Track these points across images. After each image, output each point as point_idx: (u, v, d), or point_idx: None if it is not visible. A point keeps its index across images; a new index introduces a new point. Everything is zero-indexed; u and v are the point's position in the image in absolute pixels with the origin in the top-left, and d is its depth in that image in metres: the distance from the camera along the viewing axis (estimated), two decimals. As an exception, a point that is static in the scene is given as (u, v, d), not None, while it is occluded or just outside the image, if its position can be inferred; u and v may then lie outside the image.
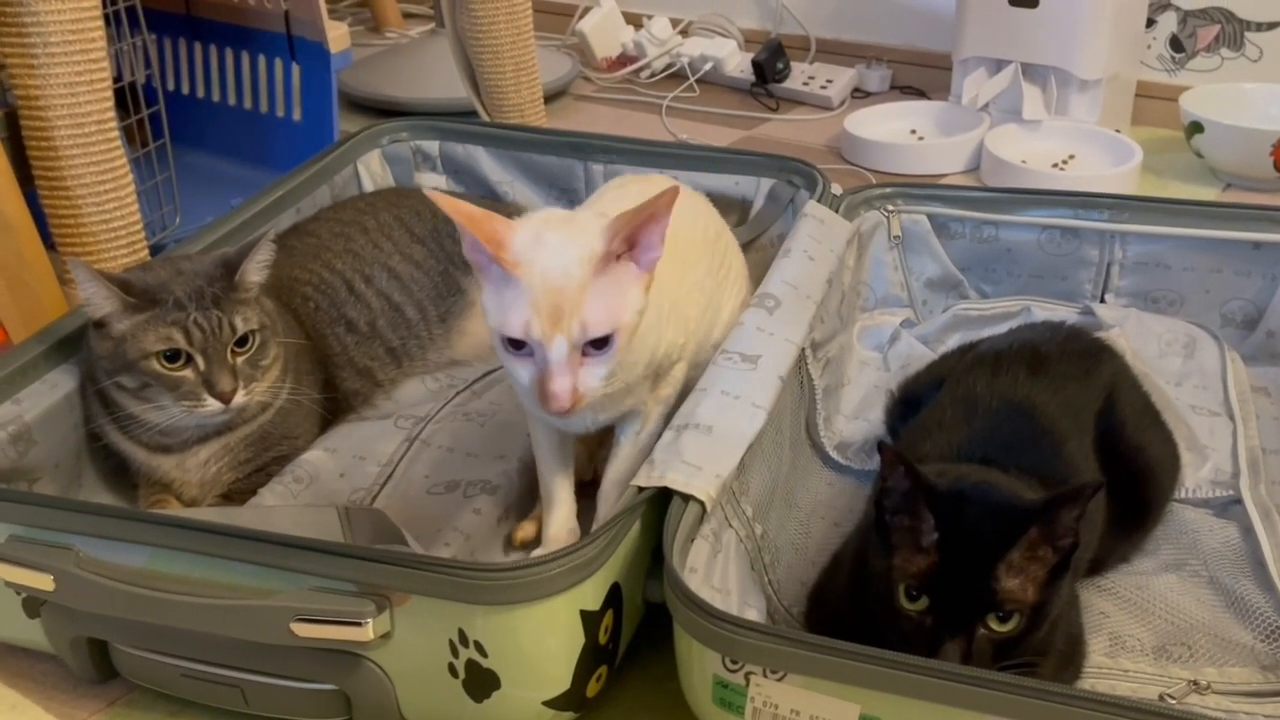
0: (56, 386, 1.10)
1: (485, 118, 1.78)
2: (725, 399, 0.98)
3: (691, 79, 2.27)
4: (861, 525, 0.99)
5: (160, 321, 1.04)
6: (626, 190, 1.12)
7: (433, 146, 1.52)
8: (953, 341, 1.35)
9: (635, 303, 0.89)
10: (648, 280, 0.91)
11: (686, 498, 0.88)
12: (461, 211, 0.88)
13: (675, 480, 0.89)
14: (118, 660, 0.95)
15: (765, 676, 0.77)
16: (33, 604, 0.94)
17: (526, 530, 1.08)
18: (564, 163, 1.48)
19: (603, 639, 0.88)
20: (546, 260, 0.87)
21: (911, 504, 0.82)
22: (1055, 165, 1.85)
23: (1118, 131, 1.90)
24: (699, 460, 0.91)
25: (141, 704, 0.96)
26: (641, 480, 0.90)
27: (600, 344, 0.88)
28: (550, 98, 2.17)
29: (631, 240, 0.89)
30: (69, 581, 0.89)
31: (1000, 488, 0.86)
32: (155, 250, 1.64)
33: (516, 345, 0.88)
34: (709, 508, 0.88)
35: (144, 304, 1.04)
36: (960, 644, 0.79)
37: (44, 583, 0.90)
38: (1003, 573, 0.79)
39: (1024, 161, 1.83)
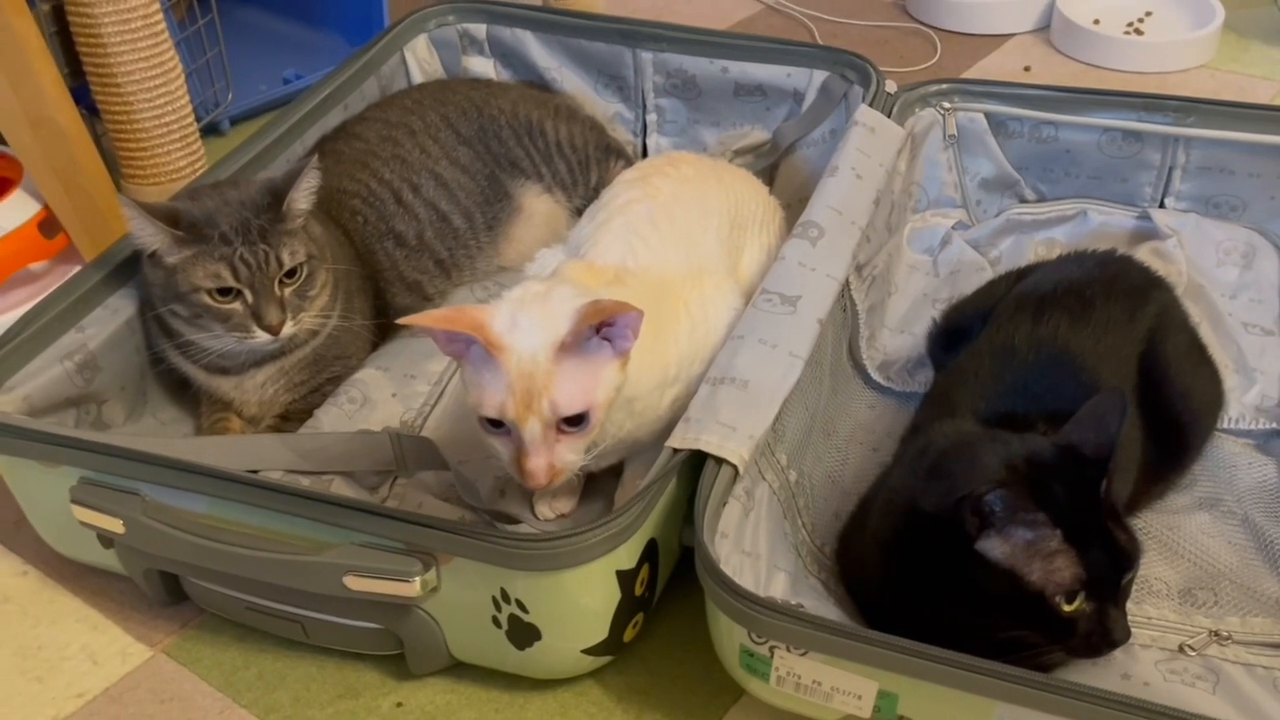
0: (118, 312, 1.13)
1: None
2: (763, 348, 0.98)
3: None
4: (888, 469, 1.01)
5: (208, 257, 1.05)
6: (648, 185, 1.12)
7: (480, 30, 1.49)
8: (1005, 245, 1.33)
9: (610, 380, 0.92)
10: (622, 360, 0.93)
11: (720, 460, 0.90)
12: (434, 317, 0.92)
13: (709, 443, 0.90)
14: (188, 588, 1.01)
15: (788, 651, 0.81)
16: (105, 537, 1.00)
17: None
18: (613, 49, 1.44)
19: (638, 591, 0.92)
20: (520, 343, 0.90)
21: (1015, 513, 0.82)
22: (1130, 25, 1.76)
23: (1201, -16, 1.80)
24: (733, 419, 0.92)
25: (212, 627, 1.02)
26: (676, 441, 0.92)
27: (576, 421, 0.91)
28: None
29: (601, 327, 0.91)
30: (137, 527, 0.94)
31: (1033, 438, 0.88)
32: (208, 131, 1.65)
33: (495, 424, 0.92)
34: (742, 470, 0.90)
35: (192, 238, 1.06)
36: (1121, 612, 0.84)
37: (115, 526, 0.95)
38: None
39: (1097, 22, 1.75)
